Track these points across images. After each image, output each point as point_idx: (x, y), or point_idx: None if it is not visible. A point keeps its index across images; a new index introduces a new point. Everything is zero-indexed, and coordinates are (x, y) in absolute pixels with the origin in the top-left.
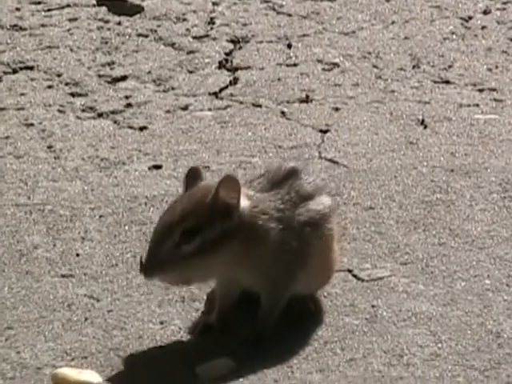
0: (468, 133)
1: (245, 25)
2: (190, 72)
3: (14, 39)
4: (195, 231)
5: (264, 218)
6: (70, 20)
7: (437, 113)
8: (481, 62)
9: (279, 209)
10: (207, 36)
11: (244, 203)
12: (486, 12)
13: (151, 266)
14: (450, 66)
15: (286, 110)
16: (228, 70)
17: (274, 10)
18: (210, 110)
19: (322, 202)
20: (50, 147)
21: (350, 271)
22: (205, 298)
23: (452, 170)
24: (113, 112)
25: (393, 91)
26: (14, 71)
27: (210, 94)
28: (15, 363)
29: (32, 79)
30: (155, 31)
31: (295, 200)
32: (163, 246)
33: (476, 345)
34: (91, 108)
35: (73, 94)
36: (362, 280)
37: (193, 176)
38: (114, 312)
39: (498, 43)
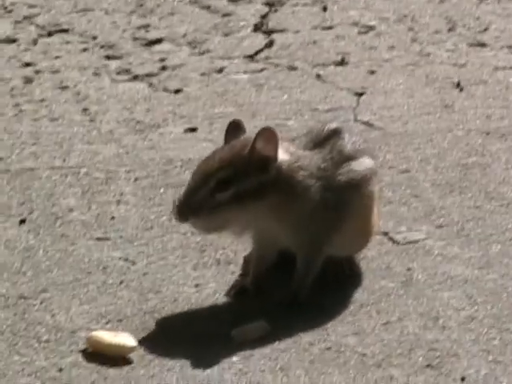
0: (504, 95)
1: None
2: (226, 35)
3: (49, 2)
4: (230, 181)
5: (304, 175)
6: None
7: (472, 76)
8: None
9: (320, 167)
10: None
11: (283, 157)
12: None
13: (185, 210)
14: (485, 29)
15: (321, 72)
16: (263, 32)
17: None
18: (245, 72)
19: (364, 164)
20: (85, 110)
21: (385, 234)
22: (241, 261)
23: (488, 133)
24: (148, 75)
25: (428, 54)
26: (49, 34)
27: (245, 56)
28: (50, 326)
29: (67, 42)
30: None
31: (337, 160)
32: (198, 192)
33: None
34: (126, 71)
35: (108, 57)
36: (398, 243)
37: (234, 128)
38: (149, 275)
39: None
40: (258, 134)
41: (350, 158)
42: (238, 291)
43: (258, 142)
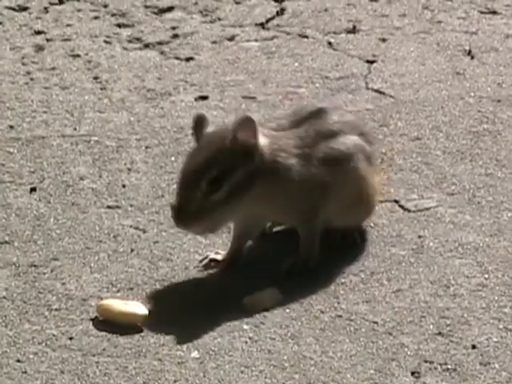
0: None
1: None
2: (237, 3)
3: None
4: (220, 178)
5: (284, 156)
6: None
7: (484, 43)
8: None
9: (297, 146)
10: None
11: (263, 142)
12: None
13: (186, 219)
14: None
15: (332, 40)
16: (275, 0)
17: None
18: (256, 40)
19: (346, 142)
20: (96, 78)
21: (396, 202)
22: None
23: (499, 101)
24: (159, 43)
25: (440, 22)
26: (61, 2)
27: (256, 24)
28: (61, 294)
29: (78, 10)
30: None
31: (314, 138)
32: (192, 198)
33: None
34: (138, 39)
35: (119, 25)
36: (409, 210)
37: (200, 124)
38: (159, 243)
39: None
40: (237, 124)
41: (329, 136)
42: (206, 264)
43: (239, 132)
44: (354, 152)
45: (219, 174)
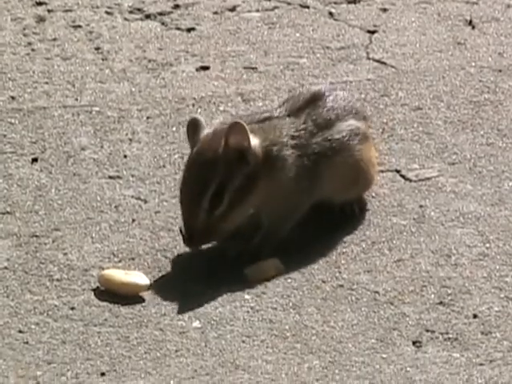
0: None
1: None
2: None
3: None
4: (220, 192)
5: (277, 149)
6: None
7: (485, 13)
8: None
9: (293, 136)
10: None
11: (254, 142)
12: None
13: (195, 240)
14: None
15: (333, 10)
16: None
17: None
18: (257, 11)
19: (341, 130)
20: (97, 49)
21: (397, 171)
22: None
23: (500, 71)
24: (160, 13)
25: None
26: None
27: None
28: (62, 265)
29: None
30: None
31: (310, 129)
32: (198, 217)
33: None
34: (139, 9)
35: None
36: (410, 180)
37: (194, 126)
38: (161, 213)
39: None
40: (229, 131)
41: (327, 125)
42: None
43: (231, 139)
44: (350, 139)
45: (218, 188)
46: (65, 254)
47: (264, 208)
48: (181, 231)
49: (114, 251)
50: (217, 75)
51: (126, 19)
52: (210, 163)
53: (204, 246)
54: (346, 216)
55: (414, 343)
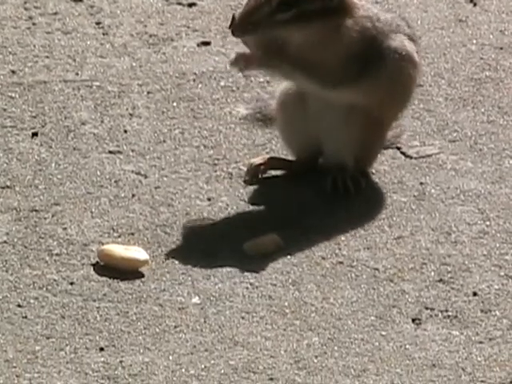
0: None
1: None
2: None
3: None
4: (293, 3)
5: (363, 15)
6: None
7: None
8: None
9: (382, 21)
10: None
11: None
12: None
13: (244, 26)
14: None
15: None
16: None
17: None
18: None
19: (412, 50)
20: (98, 23)
21: (398, 148)
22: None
23: (501, 48)
24: None
25: None
26: None
27: None
28: (61, 239)
29: None
30: None
31: (397, 27)
32: (259, 10)
33: None
34: None
35: None
36: (411, 157)
37: None
38: (161, 188)
39: None
40: None
41: (411, 39)
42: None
43: None
44: (416, 61)
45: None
46: (64, 228)
47: (303, 59)
48: (233, 18)
49: (113, 226)
50: (218, 50)
51: None
52: None
53: (202, 221)
54: (344, 193)
55: (413, 321)
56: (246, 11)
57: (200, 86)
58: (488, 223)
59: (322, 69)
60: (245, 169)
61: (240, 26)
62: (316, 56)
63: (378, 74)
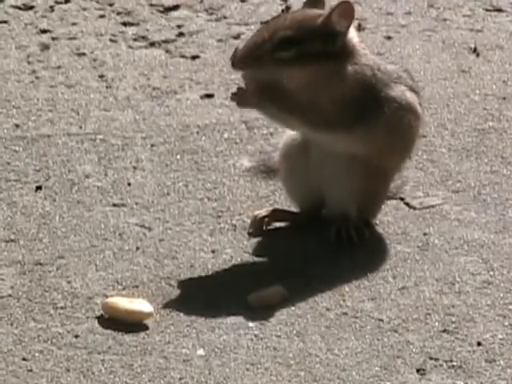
0: None
1: None
2: (242, 1)
3: None
4: (294, 42)
5: (364, 63)
6: None
7: (489, 41)
8: None
9: (383, 71)
10: None
11: (354, 39)
12: None
13: (245, 59)
14: None
15: None
16: None
17: None
18: None
19: (414, 101)
20: (101, 76)
21: (402, 199)
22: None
23: (504, 98)
24: (165, 41)
25: (445, 19)
26: (66, 1)
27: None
28: (66, 293)
29: (84, 9)
30: None
31: (398, 79)
32: (261, 46)
33: None
34: (143, 37)
35: (124, 24)
36: (414, 208)
37: (313, 2)
38: (165, 241)
39: None
40: (337, 7)
41: (412, 90)
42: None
43: (335, 15)
44: (417, 112)
45: (295, 37)
46: (69, 281)
47: (308, 97)
48: (234, 52)
49: (117, 279)
50: (221, 103)
51: (130, 47)
52: (303, 18)
53: (206, 272)
54: (349, 243)
55: (418, 371)
56: (248, 46)
57: (203, 138)
58: (492, 273)
59: (315, 111)
60: (249, 221)
61: (241, 59)
62: (311, 98)
63: (376, 122)
